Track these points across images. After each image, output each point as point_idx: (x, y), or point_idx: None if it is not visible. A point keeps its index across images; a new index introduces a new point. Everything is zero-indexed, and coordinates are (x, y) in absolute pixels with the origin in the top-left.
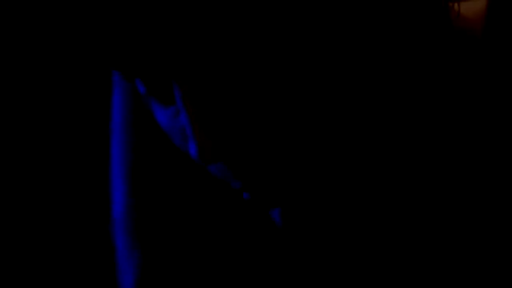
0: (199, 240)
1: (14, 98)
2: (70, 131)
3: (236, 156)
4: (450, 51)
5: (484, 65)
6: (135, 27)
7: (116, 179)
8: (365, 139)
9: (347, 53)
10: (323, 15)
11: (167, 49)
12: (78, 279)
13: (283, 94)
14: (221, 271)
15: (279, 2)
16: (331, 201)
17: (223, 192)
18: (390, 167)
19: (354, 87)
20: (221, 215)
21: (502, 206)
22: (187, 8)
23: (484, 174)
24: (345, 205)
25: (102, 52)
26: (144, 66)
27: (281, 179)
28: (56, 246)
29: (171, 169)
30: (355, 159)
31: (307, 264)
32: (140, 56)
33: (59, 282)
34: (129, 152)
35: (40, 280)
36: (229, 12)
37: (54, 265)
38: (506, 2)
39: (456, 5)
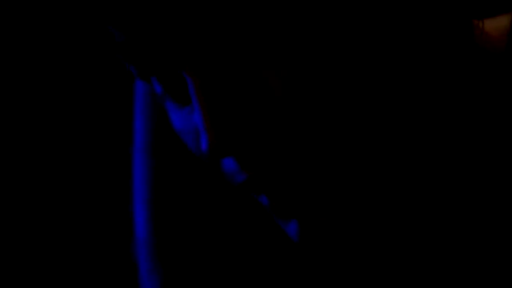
0: (220, 266)
1: (33, 105)
2: (92, 144)
3: (247, 149)
4: (472, 68)
5: (508, 82)
6: (148, 21)
7: (139, 200)
8: (385, 149)
9: (372, 64)
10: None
11: (180, 42)
12: None
13: (297, 90)
14: None
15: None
16: (348, 213)
17: (245, 214)
18: (406, 179)
19: (376, 98)
20: (243, 239)
21: (502, 206)
22: (199, 4)
23: (485, 175)
24: (361, 217)
25: (118, 47)
26: (158, 60)
27: (295, 180)
28: (76, 261)
29: (194, 194)
30: (370, 165)
31: (319, 274)
32: (154, 50)
33: None
34: (152, 175)
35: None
36: (243, 5)
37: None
38: None
39: (480, 22)
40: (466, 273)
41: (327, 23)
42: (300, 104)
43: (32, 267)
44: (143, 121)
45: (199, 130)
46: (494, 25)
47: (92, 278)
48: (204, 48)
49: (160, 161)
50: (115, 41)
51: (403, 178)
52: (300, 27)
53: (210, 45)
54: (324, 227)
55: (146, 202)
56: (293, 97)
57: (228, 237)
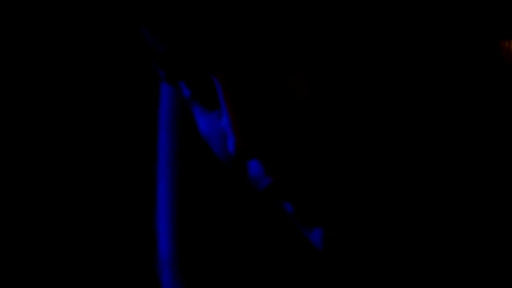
0: (245, 286)
1: (55, 113)
2: (115, 158)
3: (273, 152)
4: (499, 87)
5: None
6: (180, 26)
7: (162, 217)
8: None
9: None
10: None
11: (209, 47)
12: None
13: (324, 94)
14: None
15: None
16: (371, 221)
17: (270, 231)
18: (429, 189)
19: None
20: (268, 258)
21: (502, 206)
22: (227, 8)
23: (485, 175)
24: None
25: (150, 51)
26: (187, 64)
27: (321, 187)
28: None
29: (219, 214)
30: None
31: (342, 282)
32: (185, 55)
33: None
34: (176, 194)
35: None
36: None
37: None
38: None
39: (507, 42)
40: (468, 273)
41: (353, 31)
42: (327, 108)
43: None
44: (168, 136)
45: (226, 133)
46: None
47: None
48: (232, 52)
49: (185, 180)
50: (146, 46)
51: (426, 188)
52: (325, 34)
53: (238, 49)
54: (349, 235)
55: (171, 222)
56: (321, 102)
57: (253, 257)
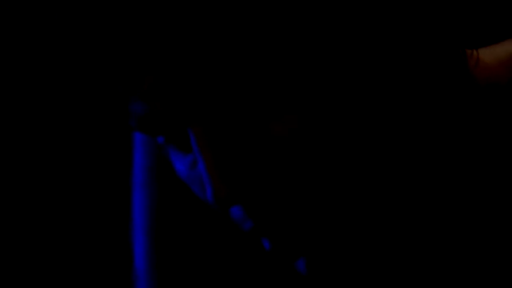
0: None
1: (39, 135)
2: (92, 172)
3: (252, 199)
4: (464, 97)
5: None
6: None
7: (138, 231)
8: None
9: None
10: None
11: (180, 96)
12: None
13: (301, 137)
14: None
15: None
16: (354, 243)
17: (245, 245)
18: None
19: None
20: (244, 270)
21: (502, 206)
22: (201, 51)
23: (485, 175)
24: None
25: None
26: (164, 122)
27: (301, 225)
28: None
29: (193, 224)
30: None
31: None
32: (160, 114)
33: None
34: (150, 204)
35: None
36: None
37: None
38: None
39: (475, 51)
40: (468, 273)
41: (327, 68)
42: (305, 151)
43: None
44: (142, 151)
45: (203, 180)
46: (491, 53)
47: None
48: (204, 100)
49: (160, 191)
50: (128, 109)
51: (410, 211)
52: (300, 73)
53: (210, 97)
54: (332, 260)
55: (146, 233)
56: (297, 145)
57: (229, 268)
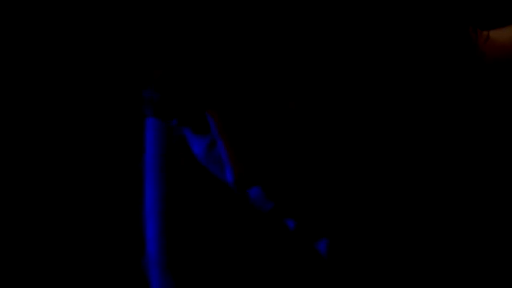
0: (235, 281)
1: (45, 133)
2: (103, 156)
3: (273, 178)
4: (473, 74)
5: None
6: (167, 57)
7: (150, 215)
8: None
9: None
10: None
11: (197, 80)
12: None
13: (317, 114)
14: None
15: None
16: (378, 229)
17: (263, 226)
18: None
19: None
20: (261, 251)
21: (502, 206)
22: (218, 39)
23: (485, 176)
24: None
25: (133, 88)
26: (180, 106)
27: (323, 202)
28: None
29: (206, 207)
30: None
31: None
32: (176, 99)
33: None
34: (163, 190)
35: None
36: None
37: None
38: None
39: (485, 32)
40: (468, 274)
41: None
42: (320, 128)
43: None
44: (154, 136)
45: (223, 161)
46: (502, 34)
47: None
48: (219, 83)
49: (173, 177)
50: (142, 95)
51: (426, 193)
52: (309, 54)
53: (224, 79)
54: (354, 243)
55: (158, 219)
56: (313, 122)
57: (241, 255)
